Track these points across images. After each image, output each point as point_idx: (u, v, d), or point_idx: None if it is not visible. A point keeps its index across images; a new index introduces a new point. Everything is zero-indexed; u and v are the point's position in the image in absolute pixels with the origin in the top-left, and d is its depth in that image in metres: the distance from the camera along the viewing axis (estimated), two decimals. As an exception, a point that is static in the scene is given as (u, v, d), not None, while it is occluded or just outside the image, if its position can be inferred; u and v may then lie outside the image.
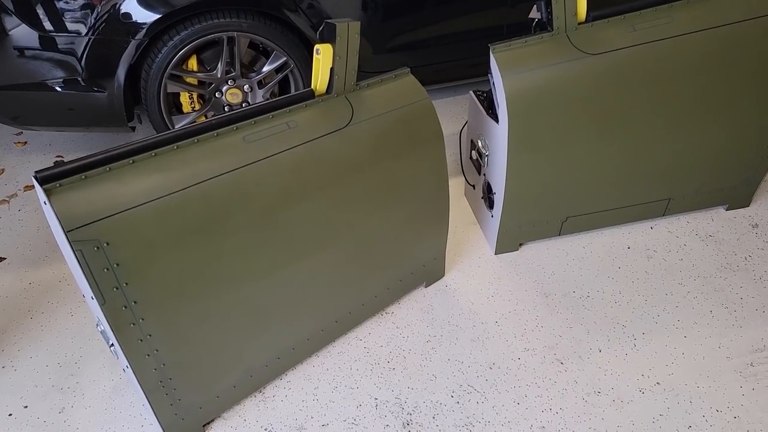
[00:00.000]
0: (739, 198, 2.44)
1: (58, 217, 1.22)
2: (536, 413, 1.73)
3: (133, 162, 1.34)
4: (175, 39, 2.51)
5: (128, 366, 1.45)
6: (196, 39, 2.55)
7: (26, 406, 1.80)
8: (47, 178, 1.23)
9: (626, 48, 1.92)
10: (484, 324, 2.02)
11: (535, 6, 1.97)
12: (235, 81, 2.73)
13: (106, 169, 1.30)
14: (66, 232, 1.22)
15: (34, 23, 2.41)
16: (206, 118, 2.78)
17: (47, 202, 1.22)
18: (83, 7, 2.39)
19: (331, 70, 1.63)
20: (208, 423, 1.73)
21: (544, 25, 1.94)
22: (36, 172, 1.23)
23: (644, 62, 1.94)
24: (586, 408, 1.74)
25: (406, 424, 1.72)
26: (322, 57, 1.61)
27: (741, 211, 2.48)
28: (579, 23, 1.92)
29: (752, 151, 2.26)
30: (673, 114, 2.07)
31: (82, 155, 1.31)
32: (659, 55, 1.94)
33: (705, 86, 2.04)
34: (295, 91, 2.85)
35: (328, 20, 1.59)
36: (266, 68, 2.76)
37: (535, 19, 1.99)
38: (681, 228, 2.40)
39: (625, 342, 1.93)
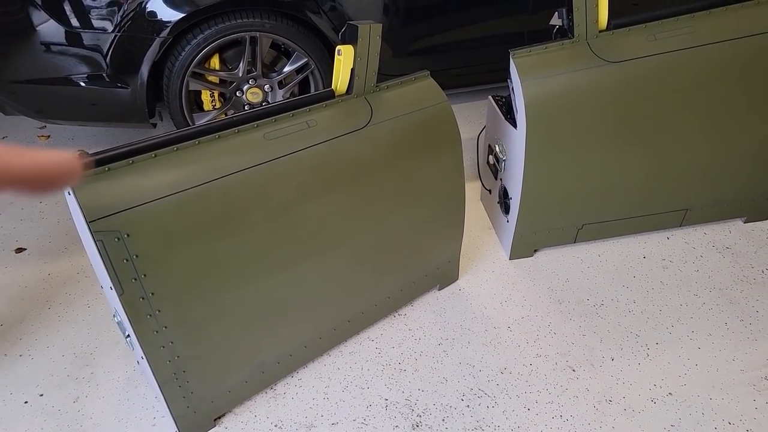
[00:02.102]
0: (757, 211, 2.42)
1: (81, 208, 1.24)
2: (546, 419, 1.73)
3: (156, 156, 1.36)
4: (198, 38, 2.55)
5: (143, 357, 1.47)
6: (219, 38, 2.58)
7: (42, 395, 1.83)
8: (71, 169, 1.25)
9: (647, 57, 1.91)
10: (496, 329, 2.02)
11: (556, 13, 1.98)
12: (256, 80, 2.76)
13: (129, 162, 1.32)
14: (88, 223, 1.25)
15: (62, 19, 2.45)
16: (226, 116, 2.81)
17: (71, 192, 1.25)
18: (110, 4, 2.43)
19: (352, 71, 1.65)
20: (219, 417, 1.75)
21: (565, 32, 1.94)
22: (61, 162, 1.25)
23: (664, 71, 1.94)
24: (596, 416, 1.73)
25: (415, 426, 1.72)
26: (344, 58, 1.63)
27: (759, 224, 2.46)
28: (600, 31, 1.92)
29: (772, 163, 2.24)
30: (693, 124, 2.06)
31: (104, 149, 1.33)
32: (680, 65, 1.93)
33: (725, 97, 2.02)
34: (315, 91, 2.87)
35: (350, 22, 1.61)
36: (287, 69, 2.79)
37: (555, 26, 2.00)
38: (698, 239, 2.39)
39: (638, 351, 1.92)
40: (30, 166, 0.29)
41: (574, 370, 1.87)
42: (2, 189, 0.29)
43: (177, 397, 1.58)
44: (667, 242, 2.38)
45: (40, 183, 0.30)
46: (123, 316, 1.42)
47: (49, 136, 3.29)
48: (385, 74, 2.92)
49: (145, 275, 1.35)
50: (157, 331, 1.43)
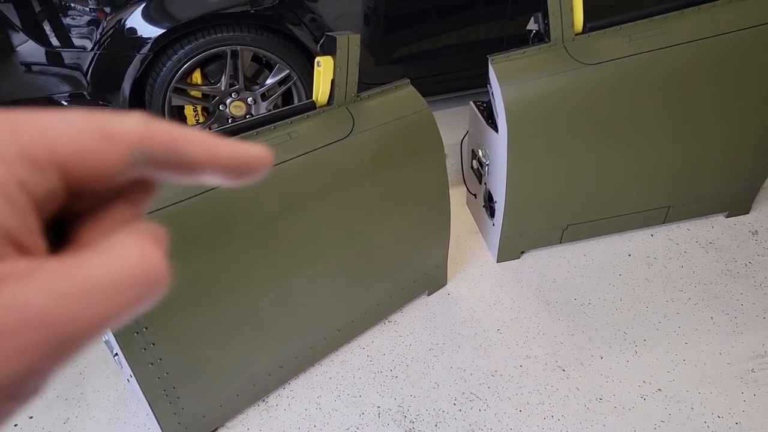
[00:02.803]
0: (738, 205, 2.45)
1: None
2: (538, 420, 1.74)
3: (138, 173, 1.36)
4: (179, 53, 2.55)
5: (132, 375, 1.47)
6: (200, 53, 2.59)
7: (31, 417, 1.82)
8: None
9: (622, 58, 1.94)
10: (486, 332, 2.04)
11: (532, 18, 2.00)
12: (238, 94, 2.77)
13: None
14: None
15: (41, 39, 2.45)
16: (210, 130, 2.81)
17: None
18: (89, 22, 2.44)
19: (332, 81, 1.66)
20: (212, 432, 1.75)
21: (542, 37, 1.97)
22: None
23: (641, 72, 1.97)
24: (587, 415, 1.75)
25: (408, 432, 1.73)
26: (323, 69, 1.64)
27: (741, 218, 2.49)
28: (576, 34, 1.95)
29: (751, 158, 2.27)
30: (671, 122, 2.09)
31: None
32: (655, 65, 1.96)
33: (701, 95, 2.06)
34: (298, 102, 2.88)
35: (329, 33, 1.62)
36: (269, 81, 2.80)
37: (532, 30, 2.02)
38: (681, 235, 2.42)
39: (626, 349, 1.94)
40: (228, 151, 0.27)
41: (564, 370, 1.88)
42: (209, 172, 0.27)
43: (168, 414, 1.57)
44: (651, 239, 2.40)
45: (242, 171, 0.28)
46: (110, 335, 1.42)
47: (32, 156, 3.27)
48: (367, 83, 2.94)
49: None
50: (144, 349, 1.43)
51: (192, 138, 0.26)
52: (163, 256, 0.25)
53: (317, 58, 1.64)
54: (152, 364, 1.46)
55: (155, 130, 0.25)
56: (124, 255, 0.23)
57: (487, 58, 1.93)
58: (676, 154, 2.18)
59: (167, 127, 0.26)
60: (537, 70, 1.92)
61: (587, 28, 1.95)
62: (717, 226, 2.46)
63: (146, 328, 1.41)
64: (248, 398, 1.77)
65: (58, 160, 0.23)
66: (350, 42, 1.62)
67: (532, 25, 2.00)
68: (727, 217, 2.49)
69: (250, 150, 0.28)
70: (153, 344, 1.44)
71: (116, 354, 1.52)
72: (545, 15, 1.90)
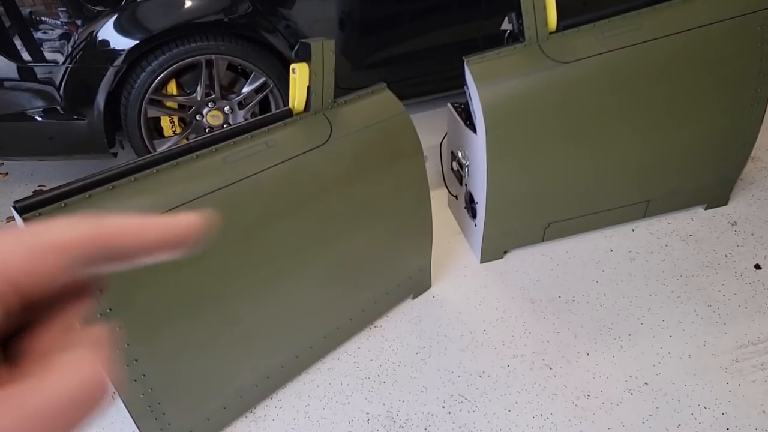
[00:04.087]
0: (716, 197, 2.48)
1: (39, 246, 1.22)
2: (527, 419, 1.74)
3: (113, 188, 1.34)
4: (153, 64, 2.53)
5: (115, 393, 1.44)
6: (175, 63, 2.56)
7: (15, 439, 1.78)
8: (26, 208, 1.23)
9: (597, 55, 1.95)
10: (472, 333, 2.03)
11: (506, 17, 2.01)
12: (215, 103, 2.75)
13: (85, 196, 1.30)
14: (48, 261, 1.22)
15: (12, 54, 2.41)
16: (188, 140, 2.79)
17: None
18: (61, 36, 2.41)
19: (308, 88, 1.65)
20: (200, 446, 1.72)
21: (517, 36, 1.98)
22: (15, 202, 1.23)
23: (615, 68, 1.98)
24: (576, 412, 1.75)
25: (398, 437, 1.72)
26: (299, 76, 1.63)
27: (719, 209, 2.52)
28: (550, 33, 1.96)
29: (726, 150, 2.30)
30: (646, 117, 2.11)
31: (64, 183, 1.31)
32: (629, 61, 1.98)
33: (675, 89, 2.08)
34: (276, 110, 2.87)
35: (302, 40, 1.62)
36: (246, 89, 2.78)
37: (507, 30, 2.03)
38: (662, 229, 2.44)
39: (612, 344, 1.95)
40: (159, 229, 0.29)
41: (551, 368, 1.89)
42: (140, 257, 0.28)
43: (154, 429, 1.55)
44: (632, 234, 2.42)
45: (176, 245, 0.29)
46: (92, 353, 1.39)
47: (7, 174, 3.22)
48: (344, 88, 2.93)
49: (110, 309, 1.33)
50: (128, 365, 1.41)
51: (122, 228, 0.28)
52: (101, 369, 0.26)
53: (292, 65, 1.63)
54: (135, 380, 1.44)
55: (86, 230, 0.27)
56: (65, 380, 0.25)
57: (463, 60, 1.94)
58: (652, 148, 2.19)
59: (97, 223, 0.27)
60: (513, 70, 1.92)
61: (561, 26, 1.96)
62: (696, 218, 2.48)
63: (128, 345, 1.39)
64: (236, 410, 1.75)
65: (13, 283, 0.25)
66: (324, 48, 1.62)
67: (506, 25, 2.01)
68: (706, 209, 2.51)
69: (181, 222, 0.30)
70: (135, 360, 1.41)
71: (98, 372, 1.49)
72: (519, 14, 1.91)
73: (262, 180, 1.54)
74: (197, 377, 1.57)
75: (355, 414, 1.79)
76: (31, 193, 1.50)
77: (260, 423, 1.78)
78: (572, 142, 2.08)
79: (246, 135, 1.57)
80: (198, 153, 1.48)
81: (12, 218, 2.80)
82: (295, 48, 1.62)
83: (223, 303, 1.54)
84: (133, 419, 1.49)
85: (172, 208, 1.39)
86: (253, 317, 1.63)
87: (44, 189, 3.04)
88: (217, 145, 1.51)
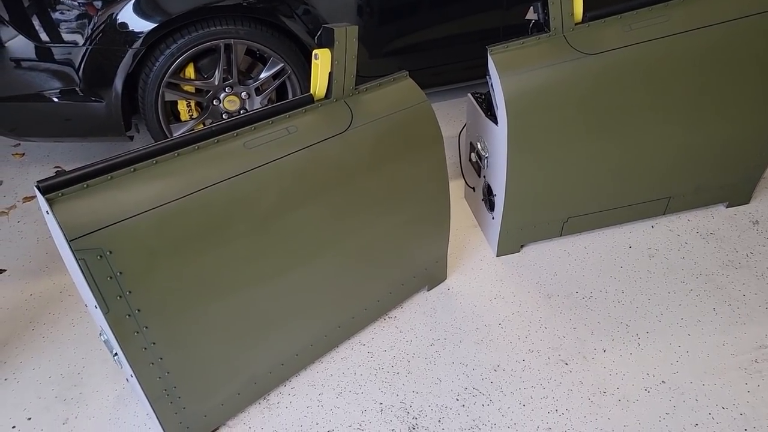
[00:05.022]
0: (739, 195, 2.45)
1: (60, 227, 1.21)
2: (542, 414, 1.73)
3: (135, 170, 1.33)
4: (171, 47, 2.51)
5: (132, 375, 1.44)
6: (193, 47, 2.55)
7: (30, 418, 1.79)
8: (49, 188, 1.23)
9: (623, 47, 1.92)
10: (487, 326, 2.02)
11: (531, 7, 1.98)
12: (232, 88, 2.73)
13: (107, 177, 1.30)
14: (69, 242, 1.22)
15: (31, 34, 2.40)
16: (204, 125, 2.78)
17: (50, 211, 1.22)
18: (79, 17, 2.39)
19: (330, 74, 1.64)
20: (214, 431, 1.72)
21: (541, 26, 1.95)
22: (38, 181, 1.22)
23: (641, 61, 1.95)
24: (592, 408, 1.73)
25: (411, 429, 1.71)
26: (321, 62, 1.61)
27: (741, 208, 2.48)
28: (576, 24, 1.93)
29: (751, 148, 2.26)
30: (671, 112, 2.07)
31: (81, 165, 1.30)
32: (656, 54, 1.94)
33: (702, 84, 2.04)
34: (293, 97, 2.85)
35: (326, 25, 1.59)
36: (263, 75, 2.76)
37: (532, 20, 2.00)
38: (682, 226, 2.41)
39: (629, 341, 1.93)
40: None
41: (566, 364, 1.87)
42: None
43: (169, 413, 1.55)
44: (652, 231, 2.39)
45: None
46: (109, 335, 1.39)
47: (23, 154, 3.23)
48: (361, 76, 2.91)
49: (130, 292, 1.33)
50: (145, 348, 1.41)
51: None
52: None
53: (314, 51, 1.61)
54: (153, 363, 1.44)
55: None
56: None
57: (486, 49, 1.91)
58: (676, 144, 2.16)
59: None
60: (537, 61, 1.89)
61: (587, 17, 1.93)
62: (718, 216, 2.45)
63: (147, 328, 1.38)
64: (249, 396, 1.75)
65: None
66: (348, 34, 1.60)
67: (531, 15, 1.98)
68: (727, 207, 2.48)
69: None
70: (154, 343, 1.41)
71: (116, 354, 1.49)
72: (545, 4, 1.88)
73: (281, 166, 1.52)
74: (213, 362, 1.57)
75: (369, 404, 1.79)
76: (47, 175, 1.50)
77: (273, 410, 1.78)
78: (595, 136, 2.05)
79: (267, 120, 1.55)
80: (219, 138, 1.47)
81: (29, 198, 2.81)
82: (319, 33, 1.60)
83: (241, 289, 1.53)
84: (149, 402, 1.49)
85: (193, 192, 1.37)
86: (270, 304, 1.62)
87: (62, 170, 3.05)
88: (238, 130, 1.50)
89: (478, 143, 2.22)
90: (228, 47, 2.61)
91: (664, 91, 2.02)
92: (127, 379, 1.86)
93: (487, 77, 2.00)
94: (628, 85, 1.98)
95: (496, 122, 2.02)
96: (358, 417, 1.75)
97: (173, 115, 2.79)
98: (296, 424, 1.74)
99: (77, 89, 2.52)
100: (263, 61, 2.78)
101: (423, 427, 1.71)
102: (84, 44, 2.43)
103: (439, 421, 1.73)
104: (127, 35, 2.43)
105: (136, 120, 2.82)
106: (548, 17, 1.89)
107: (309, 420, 1.75)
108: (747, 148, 2.25)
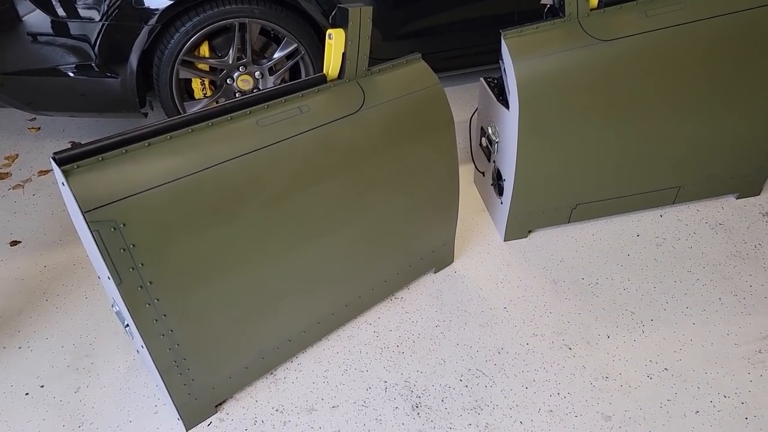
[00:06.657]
0: (749, 186, 2.44)
1: (75, 198, 1.24)
2: (544, 397, 1.75)
3: (149, 145, 1.36)
4: (187, 25, 2.53)
5: (143, 346, 1.47)
6: (208, 25, 2.56)
7: (42, 386, 1.83)
8: (65, 160, 1.25)
9: (638, 34, 1.91)
10: (492, 309, 2.04)
11: (547, -8, 1.97)
12: (246, 67, 2.74)
13: (122, 151, 1.32)
14: (83, 213, 1.25)
15: (48, 9, 2.42)
16: (217, 104, 2.80)
17: (65, 183, 1.24)
18: (96, -8, 2.41)
19: (343, 55, 1.64)
20: (221, 403, 1.76)
21: (556, 12, 1.94)
22: (54, 153, 1.25)
23: (656, 49, 1.94)
24: (593, 392, 1.75)
25: (415, 407, 1.74)
26: (335, 42, 1.62)
27: (751, 199, 2.48)
28: (591, 9, 1.92)
29: (763, 139, 2.25)
30: (685, 101, 2.07)
31: (101, 137, 1.32)
32: (671, 42, 1.93)
33: (717, 73, 2.03)
34: (306, 77, 2.86)
35: (340, 5, 1.60)
36: (277, 55, 2.77)
37: (547, 5, 1.99)
38: (691, 216, 2.40)
39: (633, 328, 1.94)
40: None
41: (570, 348, 1.89)
42: None
43: (178, 384, 1.59)
44: (660, 220, 2.39)
45: None
46: (122, 306, 1.42)
47: (39, 129, 3.27)
48: (374, 58, 2.91)
49: (142, 264, 1.35)
50: (156, 320, 1.44)
51: None
52: None
53: (328, 31, 1.62)
54: (164, 335, 1.47)
55: None
56: None
57: (500, 33, 1.91)
58: (688, 133, 2.16)
59: None
60: (551, 46, 1.89)
61: (602, 3, 1.92)
62: (727, 207, 2.44)
63: (158, 300, 1.41)
64: (257, 371, 1.79)
65: None
66: (362, 14, 1.60)
67: (546, 0, 1.97)
68: (737, 198, 2.47)
69: None
70: (165, 315, 1.44)
71: (127, 325, 1.52)
72: (560, -10, 1.87)
73: (294, 145, 1.54)
74: (222, 336, 1.60)
75: (373, 382, 1.82)
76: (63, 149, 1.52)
77: (280, 384, 1.82)
78: (607, 123, 2.05)
79: (280, 99, 1.57)
80: (232, 115, 1.48)
81: (44, 171, 2.85)
82: (333, 13, 1.61)
83: (251, 265, 1.56)
84: (159, 373, 1.53)
85: (206, 168, 1.40)
86: (279, 280, 1.65)
87: (78, 143, 3.08)
88: (251, 108, 1.52)
89: (489, 128, 2.23)
90: (243, 26, 2.62)
91: (678, 79, 2.01)
92: (137, 351, 1.90)
93: (500, 62, 2.00)
94: (642, 72, 1.97)
95: (507, 107, 2.02)
96: (362, 394, 1.78)
97: (187, 93, 2.81)
98: (302, 399, 1.77)
99: (93, 65, 2.54)
100: (277, 41, 2.78)
101: (426, 405, 1.74)
102: (100, 20, 2.44)
103: (442, 400, 1.75)
104: (143, 12, 2.45)
105: (150, 97, 2.85)
106: (563, 2, 1.88)
107: (314, 395, 1.78)
108: (759, 139, 2.24)
